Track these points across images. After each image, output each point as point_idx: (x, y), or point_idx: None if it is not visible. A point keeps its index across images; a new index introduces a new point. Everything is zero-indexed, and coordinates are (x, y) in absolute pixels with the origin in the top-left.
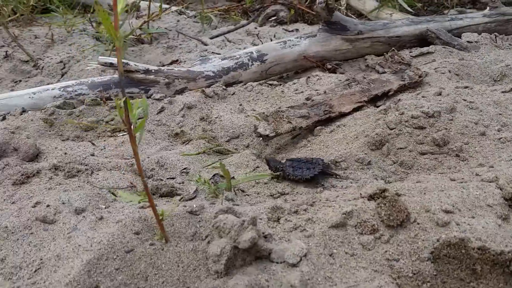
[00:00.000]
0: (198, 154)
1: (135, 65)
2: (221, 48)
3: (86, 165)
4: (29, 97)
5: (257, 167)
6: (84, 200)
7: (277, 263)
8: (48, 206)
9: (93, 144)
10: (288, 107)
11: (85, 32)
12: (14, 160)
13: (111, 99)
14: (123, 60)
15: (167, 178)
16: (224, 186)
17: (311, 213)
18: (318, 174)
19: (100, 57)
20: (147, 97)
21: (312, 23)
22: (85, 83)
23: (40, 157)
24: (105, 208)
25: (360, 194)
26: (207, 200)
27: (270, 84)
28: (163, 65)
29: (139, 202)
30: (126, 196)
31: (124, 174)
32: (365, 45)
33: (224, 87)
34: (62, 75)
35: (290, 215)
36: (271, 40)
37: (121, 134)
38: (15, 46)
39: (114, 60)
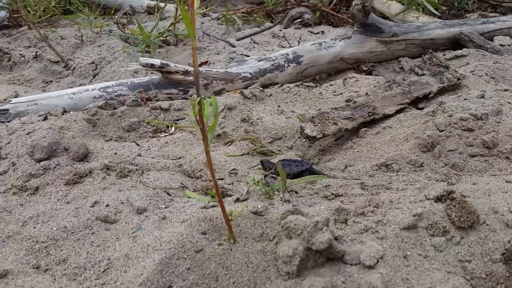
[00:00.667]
0: (243, 155)
1: (175, 66)
2: (249, 50)
3: (136, 165)
4: (69, 98)
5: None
6: (144, 200)
7: (351, 264)
8: (107, 206)
9: (137, 144)
10: (332, 109)
11: (112, 33)
12: (64, 160)
13: (151, 100)
14: (162, 61)
15: (216, 179)
16: (278, 187)
17: (379, 215)
18: (304, 171)
19: (141, 58)
20: (185, 98)
21: (337, 25)
22: (124, 84)
23: (89, 157)
24: (165, 208)
25: (425, 196)
26: (262, 201)
27: (307, 86)
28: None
29: (209, 202)
30: (195, 196)
31: (173, 174)
32: (399, 47)
33: (261, 88)
34: (94, 76)
35: (357, 217)
36: (299, 43)
37: (163, 135)
38: (42, 46)
39: (155, 61)
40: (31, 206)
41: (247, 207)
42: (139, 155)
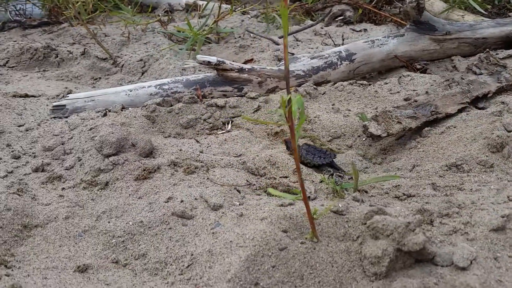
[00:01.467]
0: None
1: (230, 63)
2: (293, 48)
3: (201, 162)
4: (126, 94)
5: (366, 167)
6: (219, 197)
7: (442, 266)
8: (182, 201)
9: (197, 141)
10: (394, 107)
11: (156, 30)
12: (132, 156)
13: (206, 97)
14: (218, 59)
15: (280, 177)
16: (350, 186)
17: (465, 216)
18: (325, 164)
19: (198, 55)
20: (241, 96)
21: (379, 23)
22: (180, 81)
23: (154, 153)
24: (239, 204)
25: (508, 197)
26: (331, 200)
27: (361, 84)
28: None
29: (293, 200)
30: (279, 194)
31: (238, 171)
32: (452, 46)
33: (314, 86)
34: (142, 73)
35: (442, 218)
36: (343, 41)
37: (221, 132)
38: (87, 43)
39: (211, 58)
40: (103, 200)
41: (331, 206)
42: (201, 152)
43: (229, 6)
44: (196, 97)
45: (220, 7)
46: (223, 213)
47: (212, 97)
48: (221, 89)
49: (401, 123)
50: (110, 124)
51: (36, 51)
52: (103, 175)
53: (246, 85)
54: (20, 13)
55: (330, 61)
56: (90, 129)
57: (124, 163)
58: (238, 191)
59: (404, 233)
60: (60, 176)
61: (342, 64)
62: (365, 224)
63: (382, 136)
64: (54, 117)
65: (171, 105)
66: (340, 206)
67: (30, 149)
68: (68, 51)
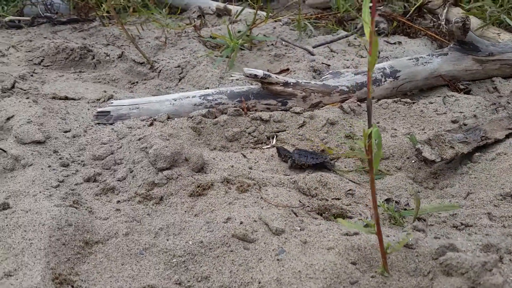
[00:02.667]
0: (350, 172)
1: (276, 77)
2: (329, 59)
3: (252, 180)
4: (170, 104)
5: (418, 192)
6: (280, 220)
7: None
8: (241, 223)
9: (244, 156)
10: (446, 131)
11: (190, 35)
12: (185, 171)
13: (250, 110)
14: (264, 72)
15: (333, 199)
16: (409, 214)
17: None
18: (319, 164)
19: (245, 68)
20: (285, 110)
21: (412, 36)
22: (224, 93)
23: (205, 168)
24: (300, 230)
25: None
26: (390, 227)
27: (405, 102)
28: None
29: (367, 226)
30: (349, 224)
31: (289, 191)
32: (494, 67)
33: (358, 103)
34: (180, 80)
35: (510, 255)
36: (379, 53)
37: (266, 147)
38: (122, 45)
39: (258, 71)
40: (159, 216)
41: (404, 241)
42: (251, 168)
43: (262, 13)
44: (241, 109)
45: (255, 14)
46: (286, 238)
47: (255, 110)
48: (265, 102)
49: (453, 148)
50: (160, 135)
51: (72, 51)
52: (157, 189)
53: (290, 99)
54: (49, 9)
55: (374, 78)
56: (139, 139)
57: (178, 178)
58: (295, 213)
59: (480, 273)
60: (113, 188)
61: (386, 81)
62: (436, 259)
63: (436, 161)
64: (98, 123)
65: (215, 117)
66: (410, 240)
67: (78, 156)
68: (105, 53)
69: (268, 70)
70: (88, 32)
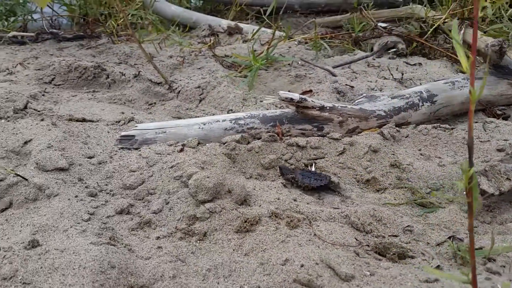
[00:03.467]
0: (400, 205)
1: (312, 101)
2: (351, 80)
3: (301, 213)
4: (199, 128)
5: (475, 227)
6: (347, 264)
7: None
8: (302, 266)
9: (284, 186)
10: (499, 161)
11: (206, 54)
12: (229, 203)
13: (284, 135)
14: (300, 96)
15: (390, 236)
16: (479, 254)
17: None
18: (323, 186)
19: (281, 91)
20: (322, 136)
21: (431, 57)
22: (256, 117)
23: (248, 199)
24: (370, 275)
25: None
26: (458, 268)
27: (445, 128)
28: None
29: (464, 283)
30: (441, 274)
31: (342, 227)
32: None
33: (397, 128)
34: (200, 101)
35: None
36: (402, 75)
37: None
38: (135, 64)
39: (294, 95)
40: (204, 255)
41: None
42: (295, 199)
43: (270, 31)
44: (276, 135)
45: (274, 33)
46: (358, 286)
47: (289, 135)
48: (300, 127)
49: (510, 179)
50: (194, 163)
51: (85, 70)
52: (200, 224)
53: (327, 124)
54: (54, 25)
55: (411, 102)
56: (171, 166)
57: (221, 211)
58: (357, 254)
59: None
60: (150, 222)
61: (423, 105)
62: None
63: (495, 194)
64: (122, 148)
65: (248, 142)
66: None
67: (106, 185)
68: (120, 72)
69: (289, 91)
70: (97, 49)
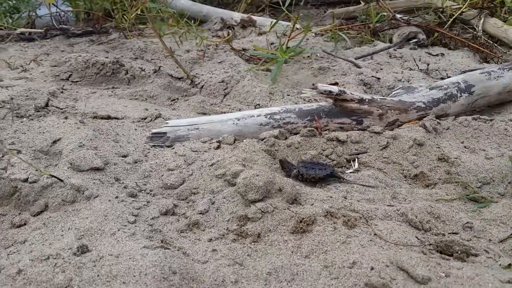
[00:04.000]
0: (453, 200)
1: (351, 93)
2: (377, 72)
3: (356, 212)
4: (233, 123)
5: None
6: (420, 265)
7: None
8: (372, 269)
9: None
10: None
11: (224, 48)
12: (280, 202)
13: (322, 129)
14: (339, 88)
15: (450, 233)
16: None
17: None
18: (329, 174)
19: (319, 84)
20: (362, 129)
21: (451, 47)
22: (292, 111)
23: (298, 198)
24: (445, 276)
25: None
26: None
27: (485, 120)
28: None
29: None
30: None
31: (400, 225)
32: None
33: (438, 120)
34: (225, 96)
35: None
36: (428, 66)
37: (349, 171)
38: (152, 59)
39: (333, 88)
40: (261, 257)
41: None
42: (345, 197)
43: (285, 23)
44: (315, 129)
45: (293, 26)
46: None
47: (327, 130)
48: (338, 121)
49: None
50: (236, 161)
51: (103, 66)
52: (252, 224)
53: (366, 117)
54: (62, 21)
55: (450, 93)
56: (211, 164)
57: (273, 211)
58: (425, 253)
59: None
60: (197, 223)
61: (461, 96)
62: None
63: None
64: (154, 146)
65: (286, 138)
66: None
67: (144, 185)
68: (140, 67)
69: (313, 84)
70: (110, 45)
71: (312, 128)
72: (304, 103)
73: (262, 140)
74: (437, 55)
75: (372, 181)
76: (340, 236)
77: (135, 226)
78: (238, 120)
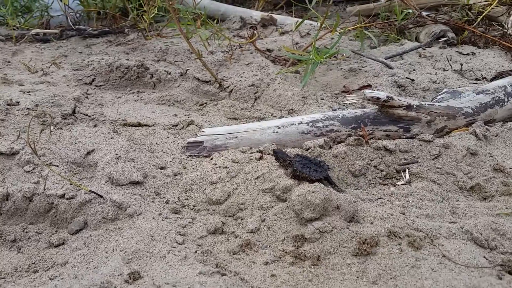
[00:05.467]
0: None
1: (398, 99)
2: (409, 73)
3: (419, 230)
4: (273, 132)
5: None
6: None
7: None
8: None
9: (382, 197)
10: None
11: (250, 49)
12: (338, 221)
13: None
14: (386, 94)
15: None
16: None
17: None
18: (323, 179)
19: (366, 90)
20: (411, 138)
21: (480, 45)
22: (335, 118)
23: (355, 215)
24: None
25: None
26: None
27: None
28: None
29: None
30: None
31: (466, 244)
32: None
33: (486, 127)
34: (255, 100)
35: None
36: (461, 66)
37: (400, 183)
38: (175, 62)
39: (380, 94)
40: (323, 283)
41: None
42: (403, 213)
43: (310, 22)
44: (361, 138)
45: (321, 25)
46: None
47: (373, 138)
48: (384, 129)
49: None
50: (284, 173)
51: (127, 70)
52: (310, 245)
53: (414, 124)
54: (78, 20)
55: (497, 97)
56: (257, 178)
57: (332, 231)
58: (500, 277)
59: None
60: (249, 243)
61: (509, 101)
62: None
63: None
64: (190, 155)
65: (330, 147)
66: None
67: (187, 199)
68: (165, 71)
69: (344, 87)
70: (129, 46)
71: (358, 137)
72: (340, 108)
73: (307, 150)
74: (467, 54)
75: (427, 194)
76: (408, 259)
77: (185, 247)
78: (279, 128)
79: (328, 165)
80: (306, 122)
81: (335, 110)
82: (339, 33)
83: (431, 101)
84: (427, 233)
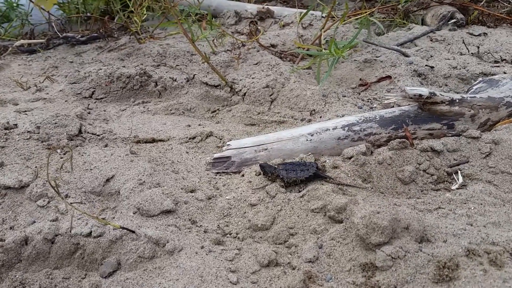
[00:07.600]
0: None
1: (440, 94)
2: (427, 60)
3: (496, 244)
4: (306, 140)
5: None
6: None
7: None
8: None
9: (440, 206)
10: None
11: (256, 47)
12: (409, 243)
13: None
14: (429, 90)
15: None
16: None
17: None
18: (312, 176)
19: (407, 87)
20: (456, 135)
21: (489, 25)
22: (373, 120)
23: (426, 235)
24: None
25: None
26: None
27: None
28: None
29: None
30: None
31: None
32: None
33: None
34: (271, 102)
35: None
36: (478, 48)
37: (455, 187)
38: (177, 66)
39: (423, 90)
40: None
41: None
42: (471, 224)
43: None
44: (405, 140)
45: (328, 16)
46: None
47: (415, 138)
48: (427, 127)
49: None
50: (332, 190)
51: (129, 79)
52: (382, 275)
53: (457, 120)
54: (64, 28)
55: None
56: (302, 196)
57: (405, 256)
58: None
59: None
60: (311, 276)
61: None
62: None
63: None
64: (217, 173)
65: (372, 152)
66: None
67: (227, 226)
68: (170, 77)
69: (361, 80)
70: (122, 51)
71: (402, 139)
72: (364, 105)
73: (350, 159)
74: (479, 35)
75: (487, 198)
76: (494, 281)
77: (241, 287)
78: (312, 135)
79: (314, 162)
80: (341, 127)
81: (360, 107)
82: (359, 22)
83: (467, 92)
84: (504, 247)
